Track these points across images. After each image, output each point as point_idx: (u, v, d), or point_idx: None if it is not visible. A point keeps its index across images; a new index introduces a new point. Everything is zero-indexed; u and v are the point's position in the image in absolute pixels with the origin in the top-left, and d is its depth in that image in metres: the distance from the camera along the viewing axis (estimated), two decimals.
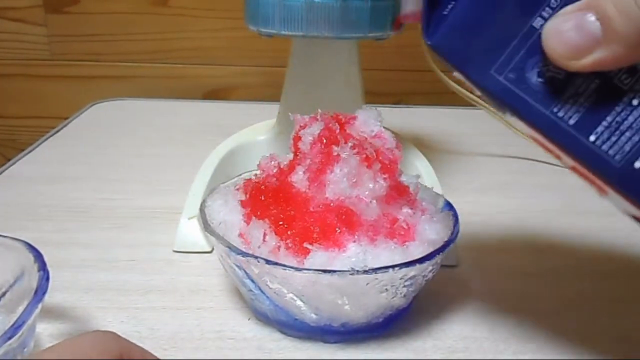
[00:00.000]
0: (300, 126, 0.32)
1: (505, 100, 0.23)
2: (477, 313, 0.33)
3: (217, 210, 0.32)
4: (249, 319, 0.32)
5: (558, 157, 0.24)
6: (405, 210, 0.31)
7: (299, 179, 0.31)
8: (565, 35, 0.21)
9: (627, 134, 0.22)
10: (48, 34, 0.76)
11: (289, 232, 0.29)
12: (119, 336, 0.22)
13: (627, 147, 0.22)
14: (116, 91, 0.77)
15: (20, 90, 0.78)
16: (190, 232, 0.39)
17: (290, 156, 0.33)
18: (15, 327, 0.23)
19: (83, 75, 0.78)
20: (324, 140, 0.31)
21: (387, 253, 0.29)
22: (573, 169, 0.24)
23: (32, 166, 0.53)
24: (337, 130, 0.31)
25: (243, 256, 0.28)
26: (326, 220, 0.29)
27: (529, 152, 0.56)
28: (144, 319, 0.32)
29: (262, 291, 0.29)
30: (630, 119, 0.22)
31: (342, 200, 0.30)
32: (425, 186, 0.36)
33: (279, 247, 0.29)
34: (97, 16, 0.75)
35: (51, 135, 0.61)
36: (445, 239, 0.30)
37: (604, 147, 0.22)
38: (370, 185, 0.30)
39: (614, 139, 0.22)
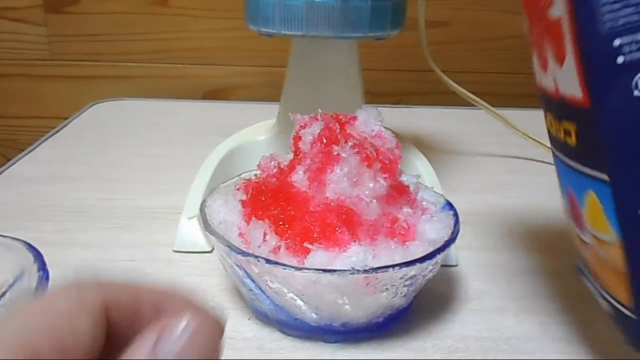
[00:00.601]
0: (301, 126, 0.32)
1: None
2: (477, 313, 0.33)
3: (217, 210, 0.32)
4: (249, 319, 0.32)
5: (544, 7, 0.24)
6: (406, 210, 0.31)
7: (299, 178, 0.31)
8: None
9: (630, 9, 0.21)
10: (48, 34, 0.76)
11: (289, 232, 0.29)
12: (101, 283, 0.17)
13: (620, 21, 0.21)
14: (116, 91, 0.77)
15: (20, 90, 0.78)
16: (190, 232, 0.39)
17: (290, 156, 0.33)
18: None
19: (83, 75, 0.78)
20: (324, 140, 0.31)
21: (387, 252, 0.29)
22: (547, 27, 0.23)
23: (32, 166, 0.53)
24: (338, 130, 0.31)
25: (243, 256, 0.28)
26: (326, 219, 0.29)
27: (529, 152, 0.56)
28: None
29: (262, 291, 0.29)
30: None
31: (343, 199, 0.30)
32: (425, 186, 0.36)
33: (279, 247, 0.29)
34: (97, 16, 0.75)
35: (51, 135, 0.61)
36: (446, 239, 0.30)
37: (604, 9, 0.22)
38: (371, 185, 0.30)
39: (617, 5, 0.21)
